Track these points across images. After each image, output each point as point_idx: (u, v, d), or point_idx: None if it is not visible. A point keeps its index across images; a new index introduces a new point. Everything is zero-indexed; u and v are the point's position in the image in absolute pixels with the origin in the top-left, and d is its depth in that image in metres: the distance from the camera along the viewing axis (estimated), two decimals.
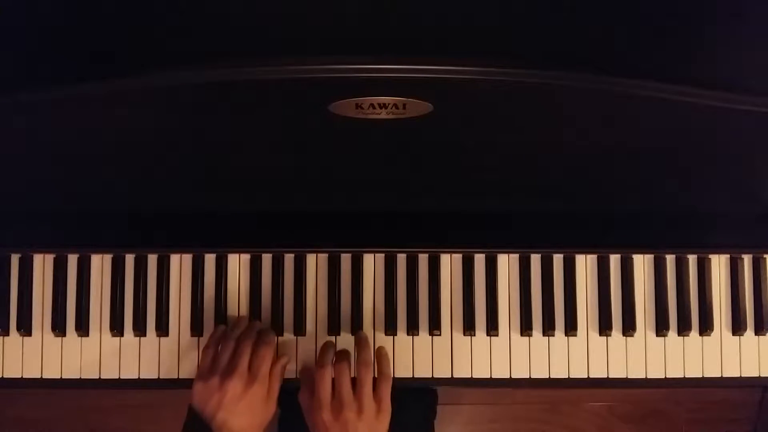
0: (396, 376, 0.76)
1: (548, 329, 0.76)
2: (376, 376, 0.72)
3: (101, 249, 0.77)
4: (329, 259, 0.77)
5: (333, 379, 0.69)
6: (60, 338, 0.77)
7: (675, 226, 0.77)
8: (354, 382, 0.69)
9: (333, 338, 0.76)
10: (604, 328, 0.77)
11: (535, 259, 0.77)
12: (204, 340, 0.76)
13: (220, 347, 0.71)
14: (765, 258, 0.79)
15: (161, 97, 0.60)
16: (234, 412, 0.66)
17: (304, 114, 0.61)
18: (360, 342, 0.74)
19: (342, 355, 0.72)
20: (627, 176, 0.72)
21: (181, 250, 0.77)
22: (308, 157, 0.69)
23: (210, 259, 0.77)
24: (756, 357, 0.78)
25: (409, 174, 0.71)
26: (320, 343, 0.76)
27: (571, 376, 0.76)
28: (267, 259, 0.77)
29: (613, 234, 0.77)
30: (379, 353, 0.74)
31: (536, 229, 0.76)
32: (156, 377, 0.76)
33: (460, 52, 0.57)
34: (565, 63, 0.57)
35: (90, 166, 0.70)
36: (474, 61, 0.56)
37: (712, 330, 0.77)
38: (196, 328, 0.76)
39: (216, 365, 0.69)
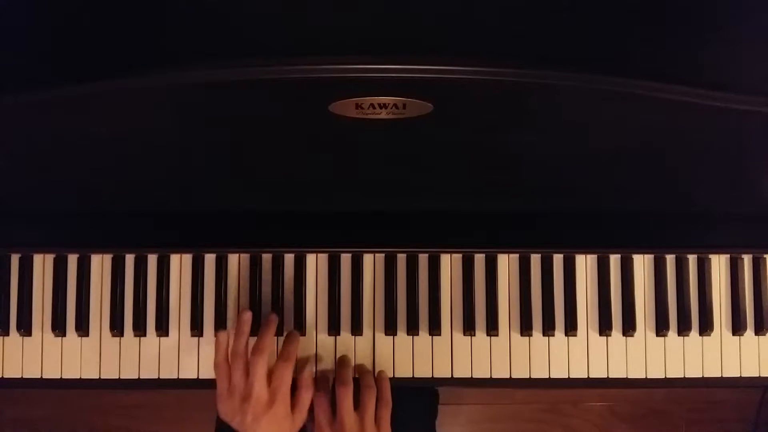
0: (396, 376, 0.76)
1: (548, 329, 0.76)
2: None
3: (101, 249, 0.77)
4: (329, 259, 0.77)
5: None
6: (60, 338, 0.77)
7: (675, 226, 0.77)
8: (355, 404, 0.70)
9: (333, 338, 0.76)
10: (604, 328, 0.77)
11: (535, 259, 0.77)
12: (204, 340, 0.76)
13: (230, 362, 0.69)
14: (765, 258, 0.79)
15: (160, 97, 0.60)
16: (258, 429, 0.67)
17: (304, 114, 0.61)
18: (359, 369, 0.75)
19: (343, 377, 0.72)
20: (627, 176, 0.71)
21: (181, 250, 0.77)
22: (308, 157, 0.69)
23: (210, 259, 0.77)
24: (756, 357, 0.78)
25: (409, 174, 0.71)
26: (320, 343, 0.76)
27: (571, 376, 0.76)
28: (267, 259, 0.77)
29: (613, 234, 0.77)
30: (380, 377, 0.74)
31: (536, 229, 0.76)
32: (156, 377, 0.76)
33: (460, 52, 0.57)
34: (565, 63, 0.57)
35: (90, 166, 0.70)
36: (474, 61, 0.56)
37: (712, 330, 0.77)
38: (196, 328, 0.76)
39: (233, 387, 0.68)
